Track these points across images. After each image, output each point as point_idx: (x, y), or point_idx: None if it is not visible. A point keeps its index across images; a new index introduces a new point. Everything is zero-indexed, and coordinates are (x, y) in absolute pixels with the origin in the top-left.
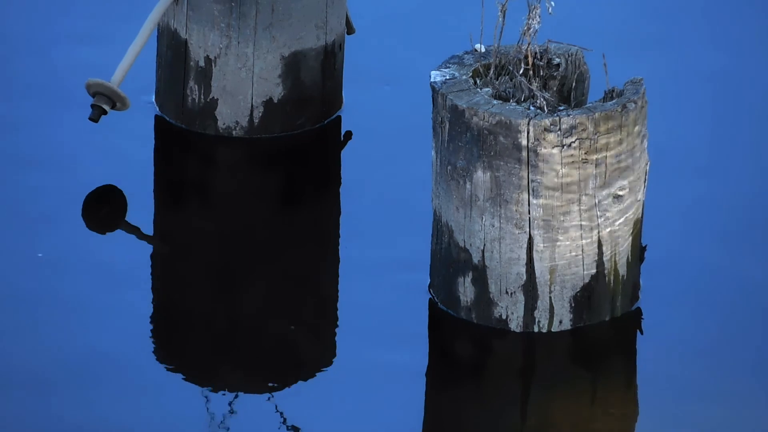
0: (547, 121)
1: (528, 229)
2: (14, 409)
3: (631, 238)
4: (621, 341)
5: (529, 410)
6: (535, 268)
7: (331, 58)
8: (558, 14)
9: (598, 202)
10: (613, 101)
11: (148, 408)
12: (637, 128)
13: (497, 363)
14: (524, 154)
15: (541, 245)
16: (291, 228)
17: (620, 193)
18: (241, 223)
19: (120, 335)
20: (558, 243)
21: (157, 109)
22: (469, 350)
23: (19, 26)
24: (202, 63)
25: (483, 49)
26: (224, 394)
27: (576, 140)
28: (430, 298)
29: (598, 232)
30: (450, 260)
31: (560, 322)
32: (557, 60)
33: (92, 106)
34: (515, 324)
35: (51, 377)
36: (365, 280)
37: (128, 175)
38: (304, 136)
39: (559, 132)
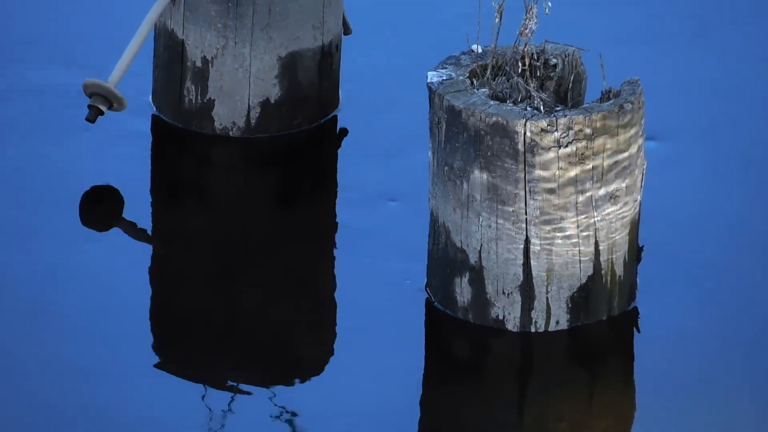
0: (544, 122)
1: (525, 230)
2: (13, 400)
3: (628, 239)
4: (618, 341)
5: (526, 410)
6: (532, 268)
7: (327, 58)
8: (555, 14)
9: (595, 202)
10: (610, 102)
11: (147, 406)
12: (634, 129)
13: (494, 363)
14: (521, 154)
15: (538, 246)
16: (288, 227)
17: (617, 193)
18: (238, 222)
19: (118, 334)
20: (555, 243)
21: (154, 109)
22: (466, 350)
23: (17, 26)
24: (199, 63)
25: (480, 50)
26: (222, 392)
27: (573, 141)
28: (426, 298)
29: (595, 233)
30: (447, 260)
31: (557, 322)
32: (554, 60)
33: (89, 106)
34: (512, 324)
35: (48, 375)
36: (362, 279)
37: (125, 174)
38: (301, 136)
39: (555, 132)
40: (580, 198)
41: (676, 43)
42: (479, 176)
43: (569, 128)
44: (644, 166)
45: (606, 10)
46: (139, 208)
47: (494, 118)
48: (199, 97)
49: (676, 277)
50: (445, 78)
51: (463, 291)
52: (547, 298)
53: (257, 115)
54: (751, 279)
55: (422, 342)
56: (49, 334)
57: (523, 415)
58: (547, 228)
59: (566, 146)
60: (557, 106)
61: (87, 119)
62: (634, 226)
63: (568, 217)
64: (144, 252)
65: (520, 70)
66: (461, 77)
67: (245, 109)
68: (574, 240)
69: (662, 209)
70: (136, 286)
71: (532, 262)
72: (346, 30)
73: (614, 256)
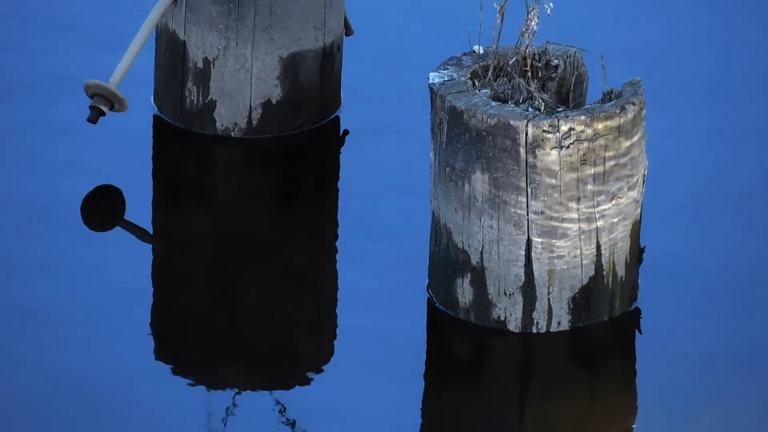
0: (545, 123)
1: (526, 231)
2: (14, 400)
3: (629, 240)
4: (619, 342)
5: (527, 410)
6: (534, 269)
7: (329, 59)
8: (556, 15)
9: (597, 203)
10: (612, 102)
11: (147, 406)
12: (635, 129)
13: (496, 363)
14: (523, 155)
15: (540, 247)
16: (289, 228)
17: (619, 194)
18: (240, 222)
19: (118, 333)
20: (556, 244)
21: (156, 109)
22: (468, 351)
23: (16, 26)
24: (200, 64)
25: (481, 51)
26: (223, 393)
27: (574, 141)
28: (428, 298)
29: (597, 234)
30: (449, 261)
31: (558, 323)
32: (556, 61)
33: (90, 107)
34: (514, 325)
35: (49, 374)
36: (364, 280)
37: (127, 174)
38: (303, 137)
39: (557, 133)
40: (582, 199)
41: (676, 43)
42: (481, 177)
43: (571, 129)
44: (646, 167)
45: (606, 11)
46: (140, 209)
47: (496, 119)
48: (200, 98)
49: (678, 278)
50: (446, 79)
51: (464, 292)
52: (548, 299)
53: (259, 115)
54: (752, 280)
55: (424, 343)
56: (50, 334)
57: (525, 415)
58: (549, 229)
59: (568, 147)
60: (559, 107)
61: (88, 120)
62: (636, 227)
63: (570, 217)
64: (145, 252)
65: (521, 71)
66: (463, 78)
67: (247, 110)
68: (575, 241)
69: (664, 210)
70: (137, 286)
71: (534, 263)
72: (348, 31)
73: (616, 257)
